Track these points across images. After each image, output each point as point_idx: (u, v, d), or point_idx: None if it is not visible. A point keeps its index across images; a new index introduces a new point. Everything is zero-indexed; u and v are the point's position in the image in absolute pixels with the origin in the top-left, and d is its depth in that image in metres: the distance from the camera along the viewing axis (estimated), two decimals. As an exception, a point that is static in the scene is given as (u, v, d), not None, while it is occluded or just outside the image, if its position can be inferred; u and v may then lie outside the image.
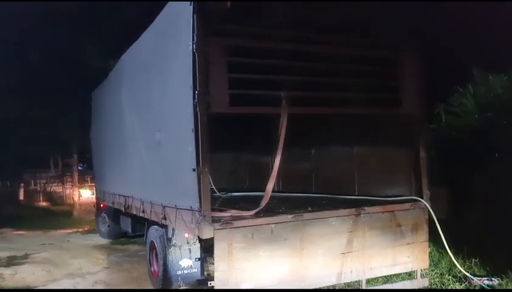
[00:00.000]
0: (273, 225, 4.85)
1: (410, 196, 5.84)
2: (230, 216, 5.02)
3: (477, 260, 6.52)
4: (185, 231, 5.40)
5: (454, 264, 6.43)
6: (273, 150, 9.10)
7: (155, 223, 6.62)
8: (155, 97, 6.02)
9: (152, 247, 6.80)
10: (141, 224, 8.62)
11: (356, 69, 5.52)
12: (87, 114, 11.46)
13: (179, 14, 4.91)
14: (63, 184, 22.61)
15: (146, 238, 7.26)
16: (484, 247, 6.75)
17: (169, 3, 5.33)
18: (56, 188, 23.65)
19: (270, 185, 5.17)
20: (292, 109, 5.10)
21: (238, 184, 9.24)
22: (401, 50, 5.70)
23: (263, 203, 5.15)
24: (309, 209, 5.40)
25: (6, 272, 8.07)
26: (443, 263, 6.71)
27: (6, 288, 7.25)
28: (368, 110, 5.72)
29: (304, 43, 5.23)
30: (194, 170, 4.56)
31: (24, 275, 7.91)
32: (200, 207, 4.54)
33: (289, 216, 5.00)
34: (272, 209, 5.33)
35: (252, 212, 5.08)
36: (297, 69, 5.20)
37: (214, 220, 4.66)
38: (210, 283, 4.71)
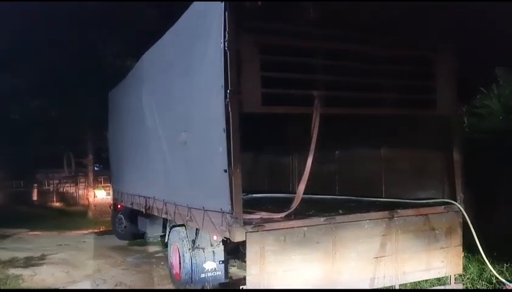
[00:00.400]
0: (305, 228, 4.71)
1: (443, 199, 5.69)
2: (260, 218, 4.90)
3: (508, 265, 6.35)
4: (214, 234, 5.28)
5: (484, 269, 6.28)
6: (293, 150, 9.12)
7: (178, 225, 6.54)
8: (180, 96, 5.91)
9: (175, 249, 6.70)
10: (159, 225, 8.57)
11: (391, 68, 5.38)
12: (104, 114, 11.41)
13: (208, 12, 4.80)
14: (76, 185, 22.64)
15: (167, 240, 7.16)
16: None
17: (197, 1, 5.23)
18: (69, 188, 23.67)
19: (301, 187, 5.03)
20: (324, 109, 4.95)
21: (258, 185, 9.11)
22: (437, 49, 5.54)
23: (294, 205, 5.02)
24: (340, 212, 5.27)
25: (26, 273, 7.99)
26: (471, 267, 6.54)
27: (21, 288, 7.22)
28: (402, 111, 5.57)
29: (338, 41, 5.09)
30: (225, 171, 4.44)
31: (43, 276, 7.83)
32: (232, 209, 4.41)
33: (322, 219, 4.86)
34: (301, 211, 5.18)
35: (283, 214, 4.95)
36: (331, 68, 5.06)
37: (246, 222, 4.54)
38: (242, 287, 4.58)
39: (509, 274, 6.21)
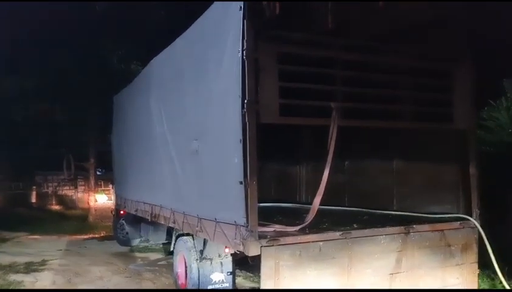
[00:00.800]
0: (321, 243, 4.59)
1: (457, 214, 5.59)
2: (274, 231, 4.79)
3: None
4: (226, 246, 5.16)
5: (494, 285, 6.17)
6: (301, 160, 9.02)
7: (185, 234, 6.41)
8: (192, 104, 5.80)
9: (181, 258, 6.57)
10: (163, 233, 8.45)
11: (410, 80, 5.30)
12: (108, 118, 11.29)
13: (225, 20, 4.70)
14: (76, 188, 22.46)
15: (173, 249, 7.04)
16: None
17: (213, 8, 5.14)
18: (68, 191, 23.47)
19: (317, 200, 4.91)
20: (342, 121, 4.86)
21: (264, 194, 8.98)
22: (456, 61, 5.47)
23: (309, 218, 4.90)
24: (355, 226, 5.16)
25: (27, 279, 7.85)
26: (482, 284, 6.42)
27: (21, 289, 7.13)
28: (420, 124, 5.47)
29: (357, 52, 5.01)
30: (241, 182, 4.32)
31: (45, 283, 7.68)
32: (247, 222, 4.30)
33: (337, 233, 4.75)
34: (315, 224, 5.06)
35: (297, 228, 4.85)
36: (349, 79, 4.97)
37: (260, 236, 4.42)
38: None
39: (522, 291, 6.09)
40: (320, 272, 4.56)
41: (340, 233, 4.76)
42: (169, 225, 6.91)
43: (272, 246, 4.38)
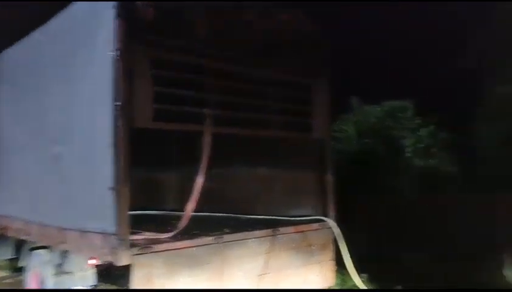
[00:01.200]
0: (194, 249, 4.62)
1: (317, 217, 6.10)
2: (144, 239, 4.66)
3: (366, 276, 7.03)
4: (93, 257, 4.83)
5: (345, 279, 6.86)
6: (169, 166, 8.85)
7: (38, 247, 5.85)
8: (55, 106, 5.32)
9: (34, 275, 5.96)
10: (10, 247, 7.51)
11: (275, 92, 5.65)
12: None
13: (96, 17, 4.49)
14: None
15: (23, 265, 6.36)
16: (370, 263, 7.32)
17: (82, 2, 4.83)
18: None
19: (190, 207, 4.92)
20: (214, 128, 4.96)
21: (131, 202, 8.63)
22: (315, 77, 5.99)
23: (182, 225, 4.88)
24: (226, 230, 5.28)
25: None
26: (336, 280, 7.09)
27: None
28: (285, 134, 5.86)
29: (227, 62, 5.16)
30: (111, 188, 4.17)
31: None
32: (118, 230, 4.12)
33: (210, 239, 4.82)
34: (186, 231, 5.05)
35: (170, 234, 4.78)
36: (220, 87, 5.10)
37: (131, 244, 4.26)
38: None
39: (368, 284, 6.87)
40: (194, 279, 4.56)
41: (213, 238, 4.84)
42: (21, 237, 6.21)
43: (144, 254, 4.27)
